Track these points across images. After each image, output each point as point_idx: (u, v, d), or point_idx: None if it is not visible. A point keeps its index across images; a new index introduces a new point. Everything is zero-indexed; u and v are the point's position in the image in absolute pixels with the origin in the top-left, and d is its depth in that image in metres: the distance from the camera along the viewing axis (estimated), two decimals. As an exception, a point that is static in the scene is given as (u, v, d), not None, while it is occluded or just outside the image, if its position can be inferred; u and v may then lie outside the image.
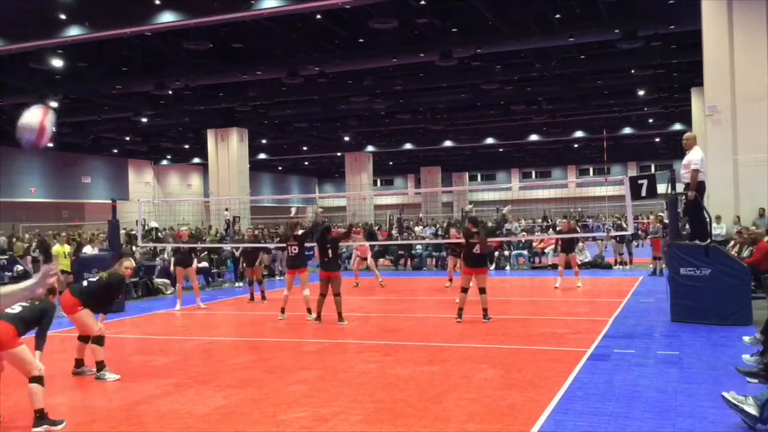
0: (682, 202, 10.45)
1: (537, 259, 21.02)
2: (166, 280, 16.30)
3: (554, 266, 19.92)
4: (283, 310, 11.24)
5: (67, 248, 14.90)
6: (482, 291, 10.25)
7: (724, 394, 5.11)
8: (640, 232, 27.05)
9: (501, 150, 50.46)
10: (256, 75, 23.77)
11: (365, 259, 17.24)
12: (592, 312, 11.21)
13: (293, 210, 13.36)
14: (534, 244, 21.12)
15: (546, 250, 20.82)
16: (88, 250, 14.76)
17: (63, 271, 12.81)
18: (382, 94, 29.04)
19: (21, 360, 5.58)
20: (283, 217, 45.25)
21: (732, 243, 13.99)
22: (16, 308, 5.75)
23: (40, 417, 5.51)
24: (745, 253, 12.51)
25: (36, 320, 5.88)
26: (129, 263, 7.81)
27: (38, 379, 5.57)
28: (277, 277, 19.65)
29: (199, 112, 31.69)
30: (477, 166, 61.50)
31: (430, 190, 54.29)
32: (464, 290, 10.38)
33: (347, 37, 21.12)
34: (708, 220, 9.96)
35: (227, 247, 18.85)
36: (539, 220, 30.62)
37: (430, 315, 11.78)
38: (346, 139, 42.17)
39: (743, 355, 7.03)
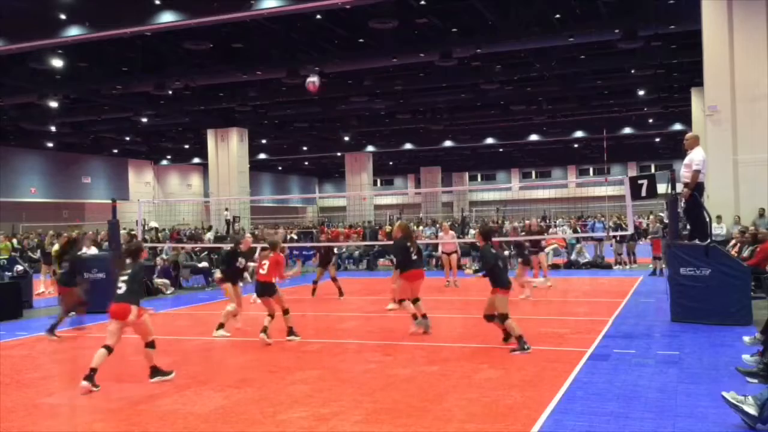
0: (681, 202, 10.45)
1: (537, 259, 20.97)
2: (166, 280, 16.30)
3: (555, 266, 19.92)
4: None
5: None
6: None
7: (724, 393, 5.11)
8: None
9: (501, 150, 50.48)
10: (256, 75, 23.78)
11: (449, 254, 15.98)
12: (592, 312, 11.20)
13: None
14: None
15: (546, 250, 20.76)
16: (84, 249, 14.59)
17: (63, 271, 12.77)
18: (382, 94, 29.07)
19: (142, 328, 6.90)
20: (283, 217, 45.29)
21: (732, 243, 13.99)
22: (123, 287, 6.80)
23: (155, 371, 6.90)
24: (746, 253, 12.51)
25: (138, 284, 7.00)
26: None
27: (151, 344, 6.93)
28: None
29: (199, 112, 31.71)
30: (477, 166, 61.52)
31: (430, 190, 54.33)
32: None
33: (347, 37, 21.13)
34: (708, 220, 9.96)
35: (227, 246, 18.80)
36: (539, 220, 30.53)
37: (430, 315, 11.75)
38: (346, 139, 42.19)
39: (743, 355, 7.02)
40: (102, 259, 13.19)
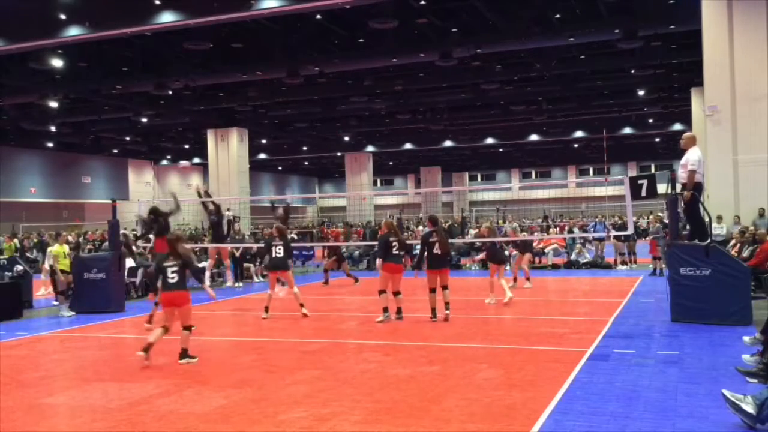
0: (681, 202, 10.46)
1: (537, 259, 20.98)
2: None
3: (555, 266, 19.93)
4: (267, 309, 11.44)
5: (67, 248, 14.86)
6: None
7: (724, 391, 5.12)
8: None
9: (501, 150, 50.47)
10: (256, 75, 23.77)
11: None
12: (592, 312, 11.20)
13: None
14: (534, 244, 21.09)
15: (546, 250, 20.80)
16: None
17: (63, 271, 12.77)
18: (382, 94, 29.05)
19: (186, 314, 7.92)
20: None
21: (732, 243, 13.99)
22: (175, 277, 7.84)
23: (184, 354, 7.81)
24: (746, 253, 12.50)
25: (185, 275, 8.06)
26: None
27: (188, 328, 7.89)
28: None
29: (199, 112, 31.69)
30: (477, 166, 61.50)
31: (430, 190, 54.28)
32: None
33: (347, 37, 21.12)
34: (708, 220, 9.95)
35: (228, 247, 18.77)
36: (539, 220, 30.61)
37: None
38: (346, 139, 42.18)
39: (743, 355, 7.02)
40: (102, 259, 13.20)
